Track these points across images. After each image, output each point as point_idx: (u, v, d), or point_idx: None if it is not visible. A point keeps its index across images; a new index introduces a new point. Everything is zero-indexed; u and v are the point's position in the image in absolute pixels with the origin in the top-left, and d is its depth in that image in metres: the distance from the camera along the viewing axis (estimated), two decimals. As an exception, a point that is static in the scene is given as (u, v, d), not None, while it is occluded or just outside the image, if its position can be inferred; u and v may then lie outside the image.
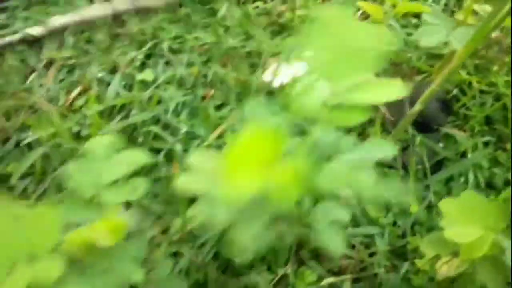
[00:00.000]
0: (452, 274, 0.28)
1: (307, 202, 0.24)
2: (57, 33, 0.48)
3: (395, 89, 0.21)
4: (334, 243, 0.22)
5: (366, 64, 0.21)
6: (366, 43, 0.21)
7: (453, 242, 0.25)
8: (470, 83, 0.49)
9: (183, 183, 0.22)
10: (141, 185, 0.26)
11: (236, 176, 0.17)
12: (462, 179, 0.45)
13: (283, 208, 0.19)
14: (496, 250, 0.24)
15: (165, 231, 0.36)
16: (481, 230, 0.25)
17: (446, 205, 0.26)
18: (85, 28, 0.51)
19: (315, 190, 0.20)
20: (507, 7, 0.25)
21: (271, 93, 0.46)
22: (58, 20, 0.48)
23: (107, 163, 0.26)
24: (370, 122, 0.47)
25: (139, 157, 0.27)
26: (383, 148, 0.24)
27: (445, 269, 0.28)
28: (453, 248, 0.26)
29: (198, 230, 0.35)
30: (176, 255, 0.36)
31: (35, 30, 0.46)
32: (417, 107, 0.32)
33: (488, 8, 0.41)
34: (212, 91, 0.47)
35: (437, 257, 0.28)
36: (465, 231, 0.25)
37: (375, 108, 0.46)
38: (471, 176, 0.44)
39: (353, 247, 0.41)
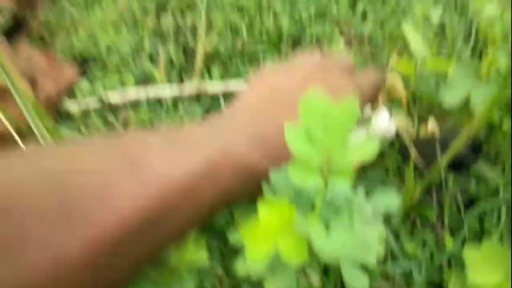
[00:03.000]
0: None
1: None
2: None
3: (369, 149, 0.26)
4: (358, 283, 0.28)
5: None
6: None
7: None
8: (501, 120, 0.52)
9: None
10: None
11: (252, 247, 0.24)
12: (495, 215, 0.48)
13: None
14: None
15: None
16: (501, 279, 0.29)
17: (470, 253, 0.31)
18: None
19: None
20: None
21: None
22: (134, 92, 0.57)
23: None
24: (405, 161, 0.52)
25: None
26: (387, 199, 0.29)
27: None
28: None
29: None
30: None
31: (113, 97, 0.56)
32: (444, 163, 0.36)
33: None
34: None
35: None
36: (486, 279, 0.29)
37: (406, 151, 0.51)
38: (503, 210, 0.47)
39: (392, 281, 0.46)
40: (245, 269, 0.29)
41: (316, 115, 0.29)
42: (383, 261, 0.47)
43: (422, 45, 0.49)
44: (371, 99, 0.49)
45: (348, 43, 0.64)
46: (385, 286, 0.45)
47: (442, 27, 0.63)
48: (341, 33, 0.65)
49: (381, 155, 0.53)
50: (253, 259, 0.24)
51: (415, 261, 0.46)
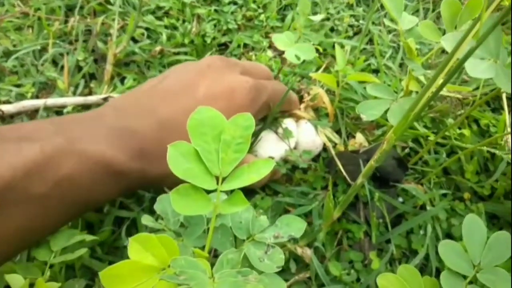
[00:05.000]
0: None
1: None
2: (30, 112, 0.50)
3: (264, 168, 0.23)
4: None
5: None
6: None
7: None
8: (427, 136, 0.51)
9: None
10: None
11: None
12: (421, 232, 0.46)
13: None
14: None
15: None
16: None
17: (384, 281, 0.28)
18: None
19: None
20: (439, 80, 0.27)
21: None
22: (30, 102, 0.50)
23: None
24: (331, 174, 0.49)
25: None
26: (294, 226, 0.26)
27: None
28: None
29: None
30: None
31: (6, 108, 0.48)
32: (359, 180, 0.33)
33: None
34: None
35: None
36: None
37: (332, 165, 0.48)
38: (429, 229, 0.46)
39: (318, 307, 0.42)
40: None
41: (207, 132, 0.24)
42: (307, 287, 0.43)
43: (345, 60, 0.47)
44: (281, 108, 0.46)
45: (277, 53, 0.61)
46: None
47: (372, 41, 0.62)
48: (270, 43, 0.62)
49: (308, 169, 0.50)
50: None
51: (341, 285, 0.43)
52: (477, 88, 0.54)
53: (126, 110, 0.36)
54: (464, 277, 0.29)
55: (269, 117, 0.45)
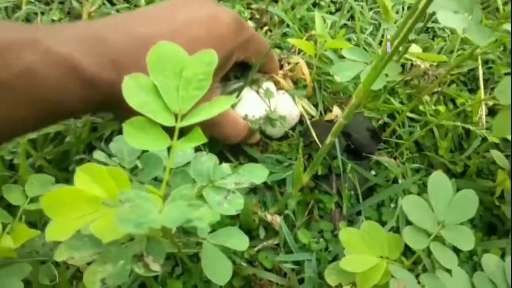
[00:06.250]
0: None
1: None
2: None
3: (226, 103, 0.23)
4: (219, 275, 0.22)
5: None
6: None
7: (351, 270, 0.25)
8: (402, 111, 0.51)
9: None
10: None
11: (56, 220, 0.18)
12: (392, 205, 0.46)
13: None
14: (389, 279, 0.25)
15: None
16: (377, 259, 0.26)
17: (346, 234, 0.27)
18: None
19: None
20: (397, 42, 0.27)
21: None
22: None
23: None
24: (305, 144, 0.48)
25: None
26: (256, 173, 0.25)
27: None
28: (354, 278, 0.27)
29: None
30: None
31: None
32: (328, 139, 0.33)
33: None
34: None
35: (340, 286, 0.29)
36: (362, 260, 0.26)
37: (307, 134, 0.47)
38: (400, 202, 0.45)
39: (284, 274, 0.41)
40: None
41: (168, 67, 0.23)
42: (275, 254, 0.42)
43: (324, 28, 0.46)
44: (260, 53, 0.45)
45: (258, 25, 0.60)
46: (275, 279, 0.41)
47: (353, 18, 0.62)
48: (252, 15, 0.61)
49: (284, 137, 0.49)
50: (53, 234, 0.18)
51: (309, 253, 0.42)
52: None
53: (102, 24, 0.34)
54: (428, 234, 0.28)
55: (251, 71, 0.44)
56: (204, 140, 0.22)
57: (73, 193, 0.20)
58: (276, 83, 0.49)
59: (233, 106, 0.45)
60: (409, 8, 0.55)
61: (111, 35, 0.32)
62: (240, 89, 0.44)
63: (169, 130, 0.24)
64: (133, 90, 0.22)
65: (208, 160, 0.27)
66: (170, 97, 0.23)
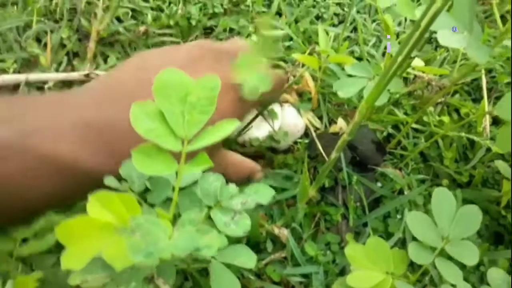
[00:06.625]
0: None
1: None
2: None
3: (229, 126, 0.24)
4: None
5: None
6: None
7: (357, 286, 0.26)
8: (406, 123, 0.52)
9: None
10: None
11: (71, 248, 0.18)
12: (398, 216, 0.46)
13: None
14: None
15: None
16: (383, 275, 0.26)
17: (352, 251, 0.28)
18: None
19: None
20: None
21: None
22: (12, 77, 0.49)
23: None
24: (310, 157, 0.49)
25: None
26: (262, 193, 0.26)
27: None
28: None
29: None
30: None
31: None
32: (333, 155, 0.33)
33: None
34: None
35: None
36: (368, 276, 0.26)
37: (312, 147, 0.48)
38: (406, 213, 0.46)
39: (292, 287, 0.42)
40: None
41: (172, 94, 0.24)
42: (282, 267, 0.43)
43: (327, 43, 0.47)
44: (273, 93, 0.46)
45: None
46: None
47: (356, 30, 0.63)
48: (255, 28, 0.62)
49: (288, 149, 0.50)
50: (68, 262, 0.19)
51: (316, 266, 0.43)
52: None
53: (105, 96, 0.31)
54: (433, 249, 0.29)
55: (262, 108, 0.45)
56: (210, 164, 0.23)
57: (85, 221, 0.20)
58: (282, 98, 0.50)
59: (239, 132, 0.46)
60: (412, 20, 0.55)
61: (114, 117, 0.30)
62: (252, 120, 0.45)
63: (176, 153, 0.25)
64: (139, 118, 0.23)
65: (215, 180, 0.28)
66: (176, 122, 0.24)
